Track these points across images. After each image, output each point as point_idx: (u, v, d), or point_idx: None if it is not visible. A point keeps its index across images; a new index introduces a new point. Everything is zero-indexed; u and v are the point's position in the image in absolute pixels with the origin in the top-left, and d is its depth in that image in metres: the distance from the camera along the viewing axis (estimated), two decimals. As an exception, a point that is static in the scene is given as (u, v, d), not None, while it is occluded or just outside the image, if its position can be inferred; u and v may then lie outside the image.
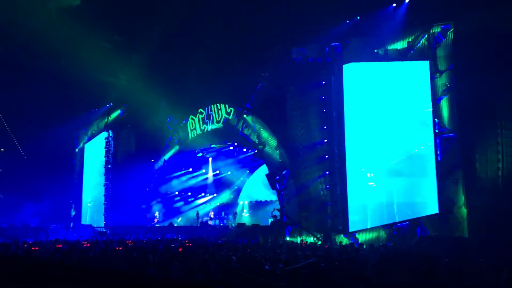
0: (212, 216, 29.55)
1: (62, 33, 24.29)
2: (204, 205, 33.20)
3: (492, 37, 16.94)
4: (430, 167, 18.69)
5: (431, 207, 18.44)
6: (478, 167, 17.52)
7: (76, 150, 36.56)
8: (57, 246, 16.62)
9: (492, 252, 12.06)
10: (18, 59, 27.12)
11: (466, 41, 17.83)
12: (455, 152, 18.38)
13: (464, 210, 17.70)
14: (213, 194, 33.50)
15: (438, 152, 18.64)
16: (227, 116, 25.87)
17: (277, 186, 22.81)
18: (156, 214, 31.07)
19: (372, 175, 19.72)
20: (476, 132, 17.69)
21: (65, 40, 24.67)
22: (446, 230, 17.89)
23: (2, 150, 34.46)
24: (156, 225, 30.17)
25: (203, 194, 33.55)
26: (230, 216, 30.37)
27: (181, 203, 32.99)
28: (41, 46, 24.69)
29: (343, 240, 18.99)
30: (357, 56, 20.42)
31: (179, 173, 32.23)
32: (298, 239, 20.42)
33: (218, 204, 33.43)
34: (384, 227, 18.95)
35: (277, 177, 22.75)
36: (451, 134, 18.44)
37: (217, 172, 33.07)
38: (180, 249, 14.51)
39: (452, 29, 18.59)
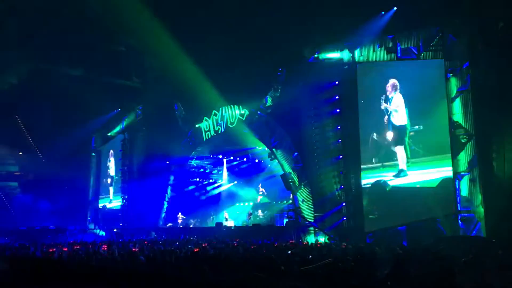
0: (227, 217, 29.64)
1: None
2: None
3: (508, 35, 16.71)
4: (446, 166, 18.52)
5: (448, 206, 18.27)
6: (495, 166, 17.31)
7: (93, 153, 37.09)
8: (75, 247, 16.88)
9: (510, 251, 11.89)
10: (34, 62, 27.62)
11: (481, 39, 17.61)
12: (471, 150, 18.20)
13: (481, 209, 17.50)
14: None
15: (454, 150, 18.47)
16: (241, 118, 25.93)
17: (292, 187, 22.84)
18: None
19: (387, 175, 19.58)
20: (492, 130, 17.48)
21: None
22: (463, 230, 17.73)
23: (20, 153, 35.11)
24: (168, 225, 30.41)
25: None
26: (245, 217, 30.44)
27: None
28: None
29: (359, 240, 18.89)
30: (371, 55, 20.37)
31: (193, 174, 32.40)
32: (313, 239, 20.41)
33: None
34: (401, 227, 18.81)
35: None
36: (467, 133, 18.25)
37: (231, 172, 33.13)
38: (195, 250, 14.61)
39: (467, 27, 18.38)
